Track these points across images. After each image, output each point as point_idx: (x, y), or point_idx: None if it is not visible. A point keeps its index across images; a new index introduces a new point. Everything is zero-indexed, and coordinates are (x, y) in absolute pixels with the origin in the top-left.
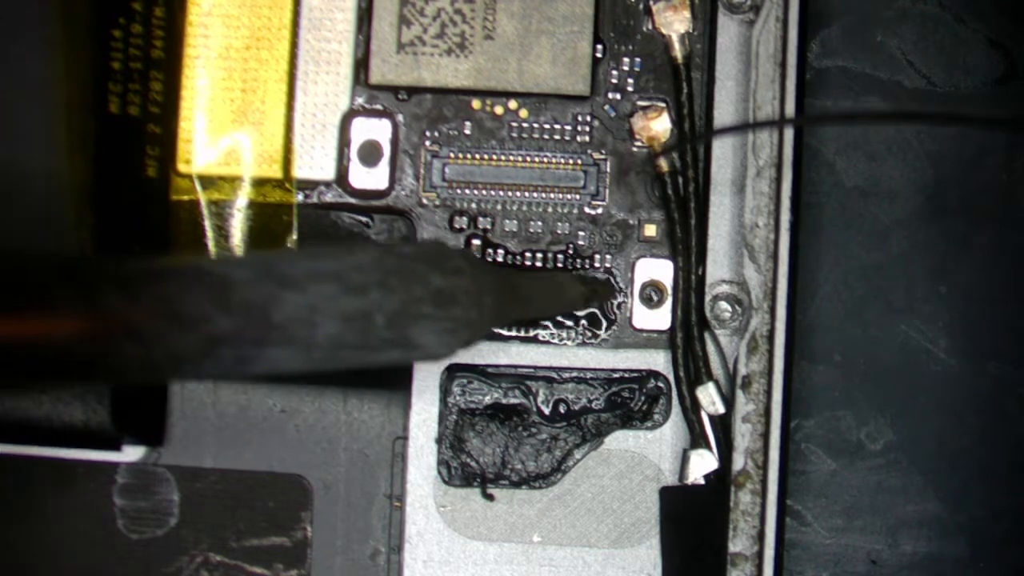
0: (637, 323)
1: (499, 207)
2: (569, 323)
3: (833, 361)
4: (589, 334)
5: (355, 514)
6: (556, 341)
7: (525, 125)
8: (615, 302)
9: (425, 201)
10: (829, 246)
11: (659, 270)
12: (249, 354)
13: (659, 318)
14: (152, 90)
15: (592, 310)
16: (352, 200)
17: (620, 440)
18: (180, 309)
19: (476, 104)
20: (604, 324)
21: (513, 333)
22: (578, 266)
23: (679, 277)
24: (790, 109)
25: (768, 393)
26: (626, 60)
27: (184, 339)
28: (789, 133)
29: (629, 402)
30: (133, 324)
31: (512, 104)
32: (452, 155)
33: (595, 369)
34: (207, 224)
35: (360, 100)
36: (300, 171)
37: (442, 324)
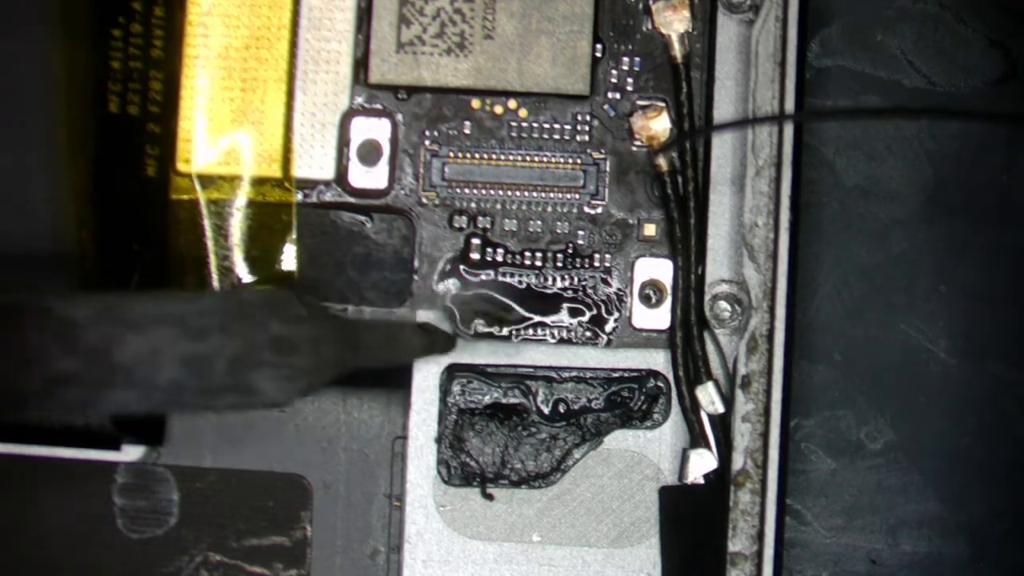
0: (637, 323)
1: (499, 206)
2: (567, 323)
3: (833, 361)
4: (589, 334)
5: (355, 514)
6: (553, 340)
7: (525, 125)
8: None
9: (424, 200)
10: (829, 246)
11: (659, 269)
12: (91, 395)
13: (659, 318)
14: (152, 89)
15: (595, 315)
16: (351, 199)
17: (620, 440)
18: (22, 349)
19: (476, 104)
20: (604, 323)
21: (511, 330)
22: (578, 265)
23: (679, 276)
24: (790, 108)
25: (768, 393)
26: (626, 60)
27: (26, 379)
28: (789, 133)
29: (629, 402)
30: None
31: (512, 104)
32: (452, 154)
33: (595, 369)
34: (206, 223)
35: (360, 99)
36: (300, 170)
37: (281, 371)
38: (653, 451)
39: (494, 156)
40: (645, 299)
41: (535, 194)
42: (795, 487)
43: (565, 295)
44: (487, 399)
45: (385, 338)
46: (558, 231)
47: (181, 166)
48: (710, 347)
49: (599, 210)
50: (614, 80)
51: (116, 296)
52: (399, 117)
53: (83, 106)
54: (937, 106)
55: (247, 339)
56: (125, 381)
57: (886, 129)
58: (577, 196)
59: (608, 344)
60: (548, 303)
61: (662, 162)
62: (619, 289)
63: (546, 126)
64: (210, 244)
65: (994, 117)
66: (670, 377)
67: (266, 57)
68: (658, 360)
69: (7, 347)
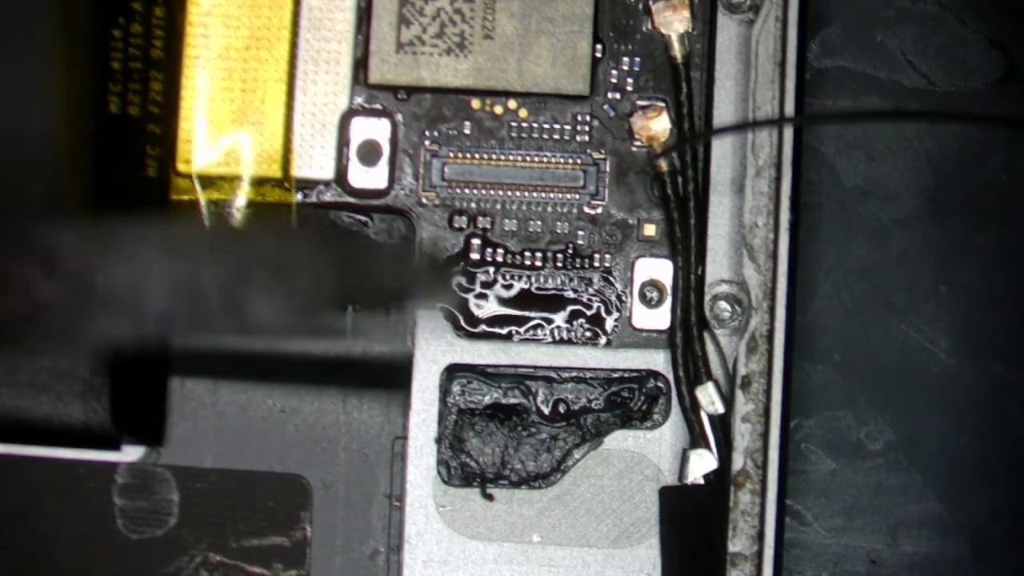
0: (637, 323)
1: (498, 207)
2: (567, 324)
3: (833, 361)
4: (589, 334)
5: (355, 514)
6: (553, 340)
7: (524, 125)
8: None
9: (424, 200)
10: (829, 246)
11: (658, 270)
12: (78, 323)
13: (659, 318)
14: (152, 90)
15: (595, 314)
16: (351, 199)
17: (620, 440)
18: (3, 276)
19: (476, 104)
20: (603, 324)
21: (511, 330)
22: (578, 265)
23: (679, 277)
24: (790, 109)
25: (768, 393)
26: (625, 60)
27: (8, 306)
28: (788, 132)
29: (629, 402)
30: None
31: (512, 104)
32: (451, 155)
33: (595, 369)
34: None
35: (359, 100)
36: (299, 170)
37: (275, 294)
38: (653, 451)
39: (494, 156)
40: (645, 299)
41: (535, 194)
42: (795, 487)
43: (565, 295)
44: (487, 399)
45: (384, 263)
46: (558, 231)
47: (181, 166)
48: (710, 347)
49: (599, 210)
50: (614, 80)
51: (101, 222)
52: (399, 117)
53: (83, 106)
54: (936, 108)
55: (237, 262)
56: (111, 308)
57: (886, 129)
58: (577, 196)
59: (608, 344)
60: (548, 303)
61: (662, 162)
62: (619, 290)
63: (546, 126)
64: None
65: (994, 120)
66: (670, 377)
67: (266, 57)
68: (658, 360)
69: None
